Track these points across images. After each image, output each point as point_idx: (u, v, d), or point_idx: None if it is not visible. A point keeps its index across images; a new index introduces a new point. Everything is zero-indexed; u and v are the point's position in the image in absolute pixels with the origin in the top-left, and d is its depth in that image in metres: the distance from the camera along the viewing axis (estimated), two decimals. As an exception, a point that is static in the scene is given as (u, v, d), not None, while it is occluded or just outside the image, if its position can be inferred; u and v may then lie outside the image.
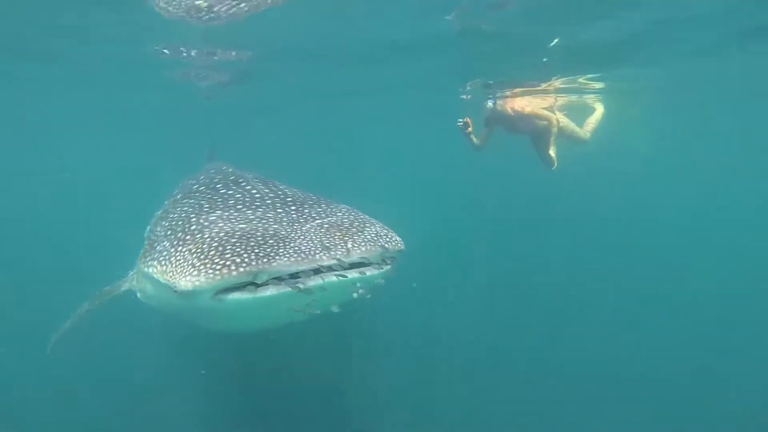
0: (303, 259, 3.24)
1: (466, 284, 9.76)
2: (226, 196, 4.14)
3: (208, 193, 4.30)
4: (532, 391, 7.03)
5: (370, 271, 3.46)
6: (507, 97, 11.59)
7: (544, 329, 8.30)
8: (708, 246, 13.69)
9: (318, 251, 3.30)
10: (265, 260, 3.21)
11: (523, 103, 10.00)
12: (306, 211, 3.79)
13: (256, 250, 3.25)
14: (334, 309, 3.37)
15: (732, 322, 9.03)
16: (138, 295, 4.39)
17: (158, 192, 5.52)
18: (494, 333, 8.25)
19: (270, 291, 3.27)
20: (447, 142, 13.24)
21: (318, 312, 3.39)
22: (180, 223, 3.85)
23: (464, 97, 12.18)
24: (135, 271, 4.39)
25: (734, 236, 14.79)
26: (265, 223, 3.58)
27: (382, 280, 3.54)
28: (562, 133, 9.95)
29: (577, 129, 10.29)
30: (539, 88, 10.91)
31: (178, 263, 3.39)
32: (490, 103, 9.79)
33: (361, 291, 3.38)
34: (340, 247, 3.37)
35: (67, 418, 6.06)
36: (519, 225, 14.89)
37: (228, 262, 3.21)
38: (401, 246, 3.62)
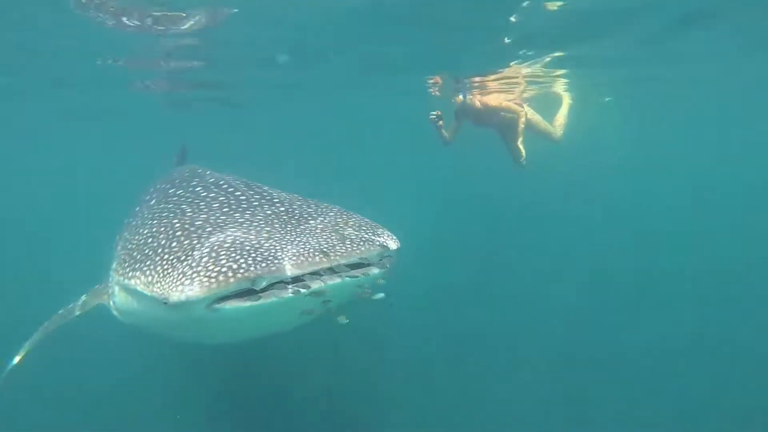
0: (304, 262, 3.08)
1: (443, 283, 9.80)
2: (209, 199, 3.90)
3: (189, 197, 4.04)
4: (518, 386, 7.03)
5: (372, 271, 3.35)
6: (476, 90, 11.69)
7: (520, 328, 8.32)
8: (685, 237, 13.91)
9: (318, 253, 3.16)
10: (263, 265, 3.01)
11: (491, 97, 10.03)
12: (297, 212, 3.63)
13: (254, 255, 3.06)
14: (343, 320, 3.24)
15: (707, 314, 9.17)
16: (114, 312, 4.09)
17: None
18: (468, 331, 8.28)
19: (274, 297, 3.06)
20: (418, 140, 13.21)
21: (326, 312, 3.26)
22: (163, 229, 3.60)
23: (432, 91, 12.15)
24: (109, 284, 4.09)
25: (710, 229, 15.09)
26: (257, 226, 3.40)
27: (383, 280, 3.43)
28: (532, 128, 9.98)
29: (548, 126, 10.30)
30: (505, 76, 10.86)
31: (166, 273, 3.15)
32: (460, 96, 9.79)
33: (366, 291, 3.27)
34: (339, 248, 3.24)
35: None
36: (498, 221, 15.00)
37: (224, 269, 3.00)
38: (398, 244, 3.53)
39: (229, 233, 3.33)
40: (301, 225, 3.47)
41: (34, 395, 5.91)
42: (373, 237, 3.45)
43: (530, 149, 9.42)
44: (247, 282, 3.00)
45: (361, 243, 3.35)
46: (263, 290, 3.07)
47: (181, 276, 3.05)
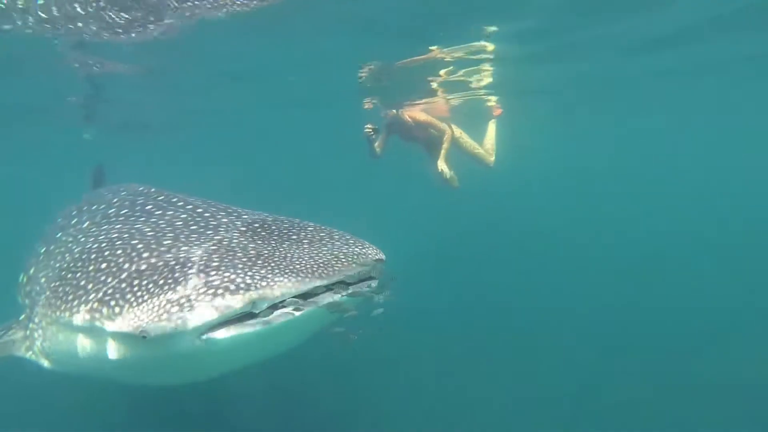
0: (305, 278, 2.73)
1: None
2: (167, 217, 3.40)
3: (140, 216, 3.49)
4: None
5: (373, 283, 3.07)
6: (406, 104, 11.74)
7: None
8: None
9: (319, 268, 2.82)
10: (264, 284, 2.63)
11: (420, 112, 10.10)
12: (274, 228, 3.26)
13: (250, 274, 2.68)
14: (353, 337, 2.90)
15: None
16: (42, 360, 3.42)
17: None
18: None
19: (282, 317, 2.67)
20: (349, 150, 13.00)
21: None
22: (120, 252, 3.05)
23: (365, 104, 12.04)
24: (29, 327, 3.43)
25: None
26: (239, 244, 2.99)
27: (382, 294, 3.13)
28: (462, 149, 9.99)
29: (479, 149, 10.27)
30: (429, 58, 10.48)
31: (143, 300, 2.66)
32: (393, 111, 9.83)
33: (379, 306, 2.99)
34: (336, 263, 2.93)
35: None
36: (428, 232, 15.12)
37: (220, 291, 2.58)
38: (384, 256, 3.30)
39: (211, 252, 2.87)
40: (285, 241, 3.11)
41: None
42: (364, 250, 3.19)
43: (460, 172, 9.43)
44: (247, 305, 2.59)
45: (356, 257, 3.07)
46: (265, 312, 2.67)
47: (167, 304, 2.58)
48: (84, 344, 2.98)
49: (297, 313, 2.69)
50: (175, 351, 2.66)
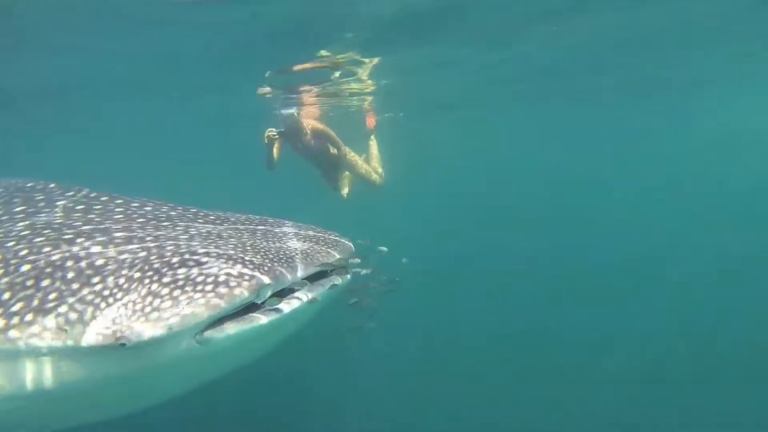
0: (302, 264, 2.50)
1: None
2: (128, 214, 2.88)
3: (90, 217, 2.84)
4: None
5: (357, 270, 2.91)
6: (304, 105, 11.43)
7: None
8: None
9: (315, 254, 2.61)
10: (266, 269, 2.35)
11: (318, 121, 9.70)
12: (237, 223, 2.96)
13: (248, 260, 2.38)
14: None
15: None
16: None
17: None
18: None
19: (291, 306, 2.41)
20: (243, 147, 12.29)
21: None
22: (70, 259, 2.43)
23: (262, 92, 11.22)
24: None
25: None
26: (212, 233, 2.65)
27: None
28: (354, 169, 9.70)
29: (368, 169, 9.99)
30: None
31: (117, 301, 2.22)
32: (293, 111, 9.33)
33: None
34: (324, 249, 2.73)
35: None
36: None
37: (222, 279, 2.24)
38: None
39: (192, 246, 2.49)
40: (258, 232, 2.85)
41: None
42: (340, 240, 3.04)
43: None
44: (252, 295, 2.28)
45: (336, 245, 2.91)
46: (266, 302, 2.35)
47: (150, 299, 2.18)
48: (26, 375, 2.31)
49: (305, 300, 2.47)
50: (162, 360, 2.25)
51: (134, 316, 2.16)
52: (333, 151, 9.25)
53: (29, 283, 2.37)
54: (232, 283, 2.25)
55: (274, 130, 8.72)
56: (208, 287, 2.22)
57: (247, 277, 2.29)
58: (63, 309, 2.24)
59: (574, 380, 7.55)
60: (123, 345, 2.14)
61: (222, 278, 2.26)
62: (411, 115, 15.67)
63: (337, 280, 2.72)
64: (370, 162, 10.20)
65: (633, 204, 23.71)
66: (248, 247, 2.54)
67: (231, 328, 2.29)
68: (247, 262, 2.38)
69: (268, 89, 10.25)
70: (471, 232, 17.72)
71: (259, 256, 2.46)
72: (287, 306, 2.43)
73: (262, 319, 2.33)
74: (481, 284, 11.52)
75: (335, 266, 2.76)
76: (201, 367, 2.50)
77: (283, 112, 9.17)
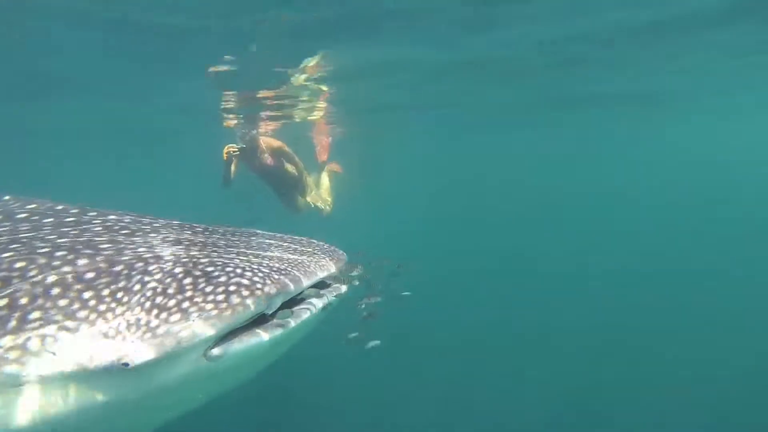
0: (309, 273, 2.34)
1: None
2: (107, 226, 2.58)
3: (65, 230, 2.51)
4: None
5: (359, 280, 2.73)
6: (262, 123, 11.25)
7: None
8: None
9: (319, 263, 2.45)
10: (277, 278, 2.17)
11: (275, 139, 9.52)
12: (227, 234, 2.75)
13: (256, 268, 2.20)
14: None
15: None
16: None
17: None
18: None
19: (303, 316, 2.23)
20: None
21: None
22: (69, 279, 2.12)
23: (227, 122, 11.07)
24: None
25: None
26: (216, 246, 2.46)
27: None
28: (305, 192, 9.58)
29: (316, 196, 9.84)
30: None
31: (117, 316, 1.97)
32: (251, 128, 9.29)
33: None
34: (325, 259, 2.58)
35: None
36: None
37: (233, 288, 2.05)
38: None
39: (182, 249, 2.31)
40: (254, 243, 2.64)
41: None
42: (331, 246, 2.87)
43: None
44: (264, 304, 2.10)
45: (335, 252, 2.77)
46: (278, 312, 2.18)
47: (157, 312, 1.96)
48: (6, 411, 1.96)
49: (315, 309, 2.31)
50: (165, 381, 2.02)
51: (139, 332, 1.93)
52: (291, 170, 9.11)
53: (2, 303, 2.08)
54: (245, 293, 2.07)
55: (234, 145, 8.54)
56: (220, 297, 2.03)
57: (259, 286, 2.12)
58: (50, 329, 1.97)
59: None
60: (125, 366, 1.90)
61: (233, 288, 2.08)
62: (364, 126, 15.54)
63: (342, 289, 2.57)
64: (320, 189, 10.13)
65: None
66: (252, 257, 2.37)
67: (242, 342, 2.10)
68: (257, 271, 2.20)
69: (233, 119, 10.13)
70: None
71: (265, 265, 2.29)
72: (300, 316, 2.26)
73: (276, 330, 2.16)
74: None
75: (339, 275, 2.63)
76: (205, 386, 2.28)
77: (242, 129, 9.05)
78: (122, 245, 2.34)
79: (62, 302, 2.04)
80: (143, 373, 1.94)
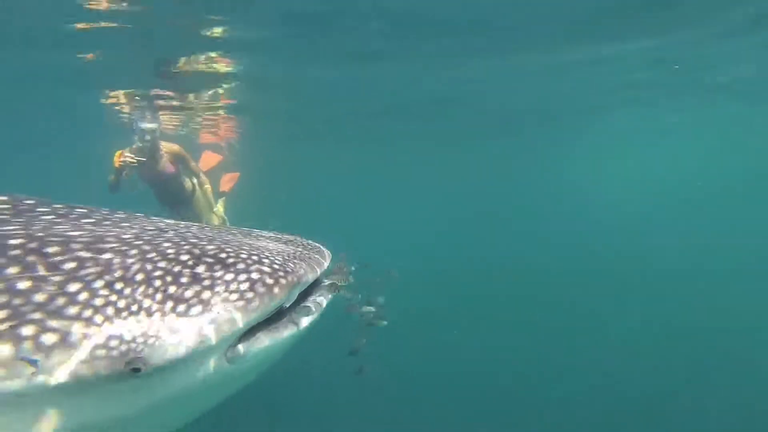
0: (316, 264, 2.10)
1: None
2: (76, 218, 2.15)
3: (27, 223, 2.01)
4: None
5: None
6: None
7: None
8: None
9: (317, 255, 2.21)
10: (294, 266, 1.93)
11: (176, 144, 8.48)
12: (208, 229, 2.36)
13: (271, 258, 1.93)
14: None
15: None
16: None
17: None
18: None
19: (321, 307, 2.05)
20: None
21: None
22: (40, 271, 1.70)
23: (123, 116, 10.05)
24: None
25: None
26: (212, 237, 2.12)
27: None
28: (199, 202, 8.58)
29: (212, 213, 8.89)
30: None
31: (121, 314, 1.60)
32: (154, 126, 8.20)
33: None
34: (319, 252, 2.32)
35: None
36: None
37: (254, 275, 1.77)
38: None
39: (181, 242, 1.95)
40: (239, 235, 2.38)
41: None
42: (312, 241, 2.71)
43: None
44: (282, 297, 1.83)
45: (323, 248, 2.58)
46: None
47: (172, 306, 1.64)
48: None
49: (323, 304, 2.11)
50: (182, 386, 1.70)
51: (152, 329, 1.59)
52: (188, 185, 8.25)
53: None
54: (269, 281, 1.82)
55: (132, 156, 7.56)
56: (244, 286, 1.76)
57: (282, 273, 1.88)
58: (26, 331, 1.55)
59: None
60: (136, 371, 1.56)
61: (255, 275, 1.82)
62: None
63: (342, 281, 2.38)
64: (213, 215, 9.09)
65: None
66: (255, 247, 2.10)
67: (266, 339, 1.85)
68: (274, 258, 1.96)
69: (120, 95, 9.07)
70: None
71: (277, 253, 2.05)
72: (317, 307, 2.06)
73: (302, 322, 1.95)
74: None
75: (336, 271, 2.45)
76: (219, 391, 1.97)
77: (141, 126, 8.09)
78: (105, 234, 1.96)
79: (40, 297, 1.63)
80: (153, 380, 1.61)
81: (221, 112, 11.75)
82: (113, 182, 7.69)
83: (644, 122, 16.60)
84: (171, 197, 8.21)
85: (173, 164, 8.14)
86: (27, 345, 1.53)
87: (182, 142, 9.10)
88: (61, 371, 1.51)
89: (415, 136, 16.48)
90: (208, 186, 8.69)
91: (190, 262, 1.80)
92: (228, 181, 10.49)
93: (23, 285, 1.67)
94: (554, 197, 37.81)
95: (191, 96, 10.01)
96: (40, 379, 1.51)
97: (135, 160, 7.49)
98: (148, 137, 7.89)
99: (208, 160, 10.79)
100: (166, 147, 8.27)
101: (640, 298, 14.10)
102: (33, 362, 1.54)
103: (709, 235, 25.71)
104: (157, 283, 1.70)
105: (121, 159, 7.50)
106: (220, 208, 9.17)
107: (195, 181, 8.38)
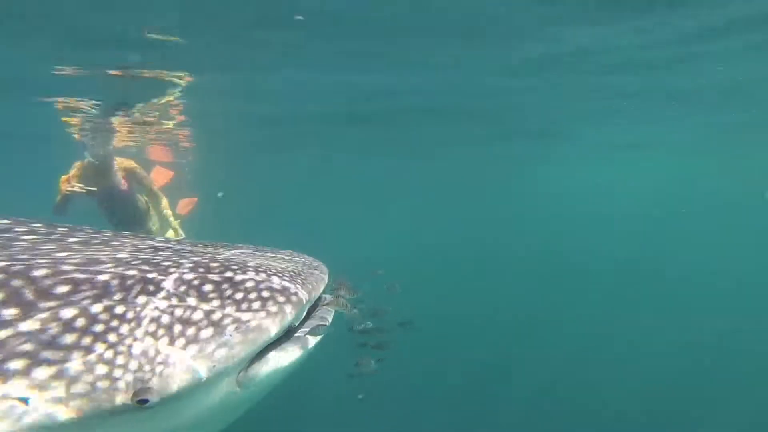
0: (318, 281, 2.01)
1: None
2: (62, 238, 1.99)
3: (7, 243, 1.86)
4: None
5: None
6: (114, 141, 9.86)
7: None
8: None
9: (317, 271, 2.12)
10: (301, 284, 1.84)
11: (130, 159, 7.87)
12: (199, 245, 2.25)
13: (279, 275, 1.83)
14: None
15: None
16: None
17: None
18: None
19: (327, 324, 1.95)
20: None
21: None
22: (28, 295, 1.52)
23: (73, 131, 9.34)
24: None
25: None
26: (213, 257, 1.98)
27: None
28: (156, 209, 8.01)
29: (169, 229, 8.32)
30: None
31: (124, 342, 1.45)
32: (107, 142, 7.84)
33: None
34: (318, 268, 2.23)
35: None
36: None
37: (265, 293, 1.68)
38: None
39: (181, 261, 1.82)
40: (235, 251, 2.27)
41: None
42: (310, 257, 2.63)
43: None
44: (294, 315, 1.74)
45: (321, 264, 2.50)
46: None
47: (180, 330, 1.51)
48: None
49: (327, 323, 2.02)
50: (191, 415, 1.58)
51: (159, 356, 1.46)
52: (141, 201, 7.64)
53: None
54: (281, 299, 1.73)
55: (81, 185, 6.94)
56: (256, 305, 1.66)
57: (293, 291, 1.79)
58: (15, 365, 1.39)
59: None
60: (143, 403, 1.42)
61: (266, 294, 1.72)
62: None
63: (344, 294, 2.30)
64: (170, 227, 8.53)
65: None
66: (259, 264, 1.98)
67: (276, 361, 1.73)
68: (281, 275, 1.86)
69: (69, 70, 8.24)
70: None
71: (282, 269, 1.95)
72: (323, 324, 1.96)
73: (310, 341, 1.85)
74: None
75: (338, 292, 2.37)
76: (228, 416, 1.84)
77: (93, 141, 7.70)
78: (97, 252, 1.81)
79: (27, 326, 1.47)
80: (160, 411, 1.48)
81: (171, 124, 11.28)
82: (60, 204, 7.06)
83: (634, 135, 17.06)
84: (123, 216, 7.54)
85: (126, 181, 7.53)
86: (18, 383, 1.37)
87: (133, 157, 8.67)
88: (58, 408, 1.37)
89: (391, 143, 16.32)
90: (165, 203, 8.04)
91: (195, 282, 1.68)
92: (186, 205, 10.08)
93: (11, 312, 1.51)
94: (536, 205, 38.62)
95: (139, 105, 9.42)
96: (33, 418, 1.36)
97: (85, 191, 6.90)
98: (99, 154, 7.38)
99: (159, 177, 10.19)
100: (120, 162, 7.67)
101: (638, 307, 14.63)
102: (23, 400, 1.40)
103: (708, 241, 26.52)
104: (163, 304, 1.58)
105: (68, 188, 6.89)
106: (177, 228, 8.58)
107: (152, 198, 7.75)
